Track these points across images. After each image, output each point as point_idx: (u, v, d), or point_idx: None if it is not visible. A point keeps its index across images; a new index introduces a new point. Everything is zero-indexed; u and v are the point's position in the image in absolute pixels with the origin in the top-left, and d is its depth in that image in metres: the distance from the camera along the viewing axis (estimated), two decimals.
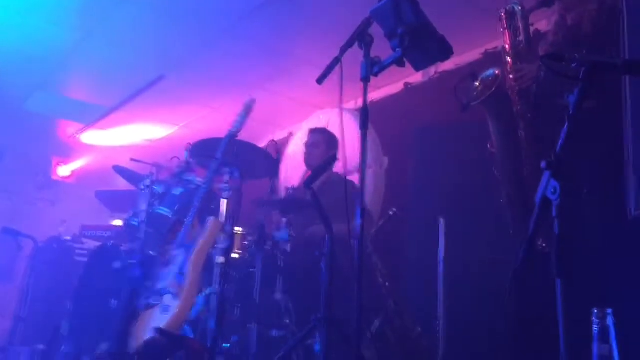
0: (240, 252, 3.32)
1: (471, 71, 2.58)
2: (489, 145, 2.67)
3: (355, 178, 3.43)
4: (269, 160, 3.50)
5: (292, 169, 5.08)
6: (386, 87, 4.89)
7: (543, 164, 1.51)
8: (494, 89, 2.45)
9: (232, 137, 2.90)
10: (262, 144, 5.61)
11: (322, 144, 3.88)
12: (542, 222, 1.54)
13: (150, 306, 2.22)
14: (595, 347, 1.40)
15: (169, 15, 4.15)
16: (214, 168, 2.73)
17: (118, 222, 5.58)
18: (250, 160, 3.47)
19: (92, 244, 4.86)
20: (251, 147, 3.40)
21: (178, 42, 4.52)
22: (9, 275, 5.98)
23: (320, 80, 2.40)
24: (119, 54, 4.77)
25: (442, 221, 3.00)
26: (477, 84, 2.57)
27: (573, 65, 1.43)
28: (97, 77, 5.32)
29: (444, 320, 2.83)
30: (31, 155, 6.98)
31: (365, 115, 2.26)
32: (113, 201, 5.28)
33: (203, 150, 3.52)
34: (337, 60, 2.31)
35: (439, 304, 2.87)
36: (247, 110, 3.02)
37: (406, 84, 4.73)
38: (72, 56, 4.84)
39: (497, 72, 2.49)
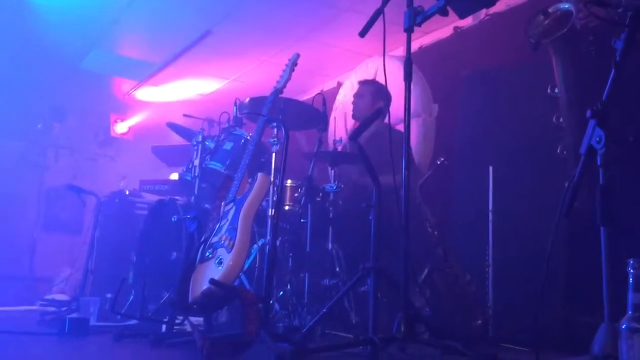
0: (291, 204, 3.40)
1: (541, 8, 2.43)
2: (549, 90, 2.56)
3: (403, 127, 3.42)
4: (316, 113, 3.52)
5: (341, 120, 5.08)
6: (435, 31, 4.77)
7: (588, 113, 1.48)
8: (567, 27, 2.30)
9: (277, 93, 2.93)
10: (311, 95, 5.63)
11: (368, 96, 3.86)
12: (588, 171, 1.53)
13: (206, 259, 2.33)
14: (630, 296, 1.40)
15: None
16: (260, 124, 2.78)
17: (175, 176, 5.78)
18: (298, 113, 3.50)
19: (150, 198, 5.06)
20: (297, 101, 3.43)
21: None
22: (76, 229, 6.32)
23: (362, 33, 2.39)
24: (168, 9, 4.83)
25: (491, 169, 2.97)
26: (545, 20, 2.44)
27: (619, 10, 1.38)
28: (148, 34, 5.42)
29: (494, 268, 2.84)
30: (91, 113, 7.22)
31: (409, 66, 2.24)
32: (169, 156, 5.42)
33: (250, 105, 3.58)
34: (379, 12, 2.29)
35: (488, 251, 2.87)
36: (292, 65, 3.03)
37: (456, 28, 4.60)
38: (124, 14, 4.94)
39: (570, 7, 2.34)
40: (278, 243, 3.23)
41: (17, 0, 4.58)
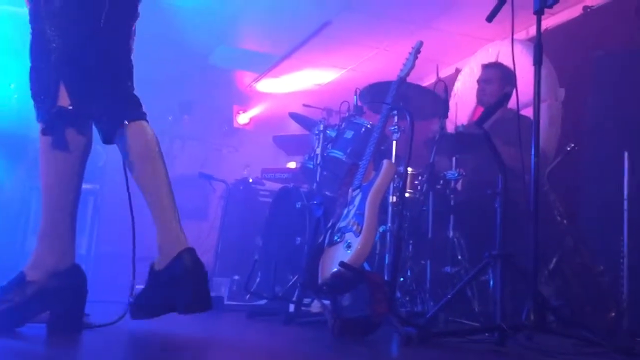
0: (412, 191, 3.42)
1: None
2: None
3: (528, 112, 3.33)
4: (437, 99, 3.50)
5: (461, 106, 5.01)
6: (562, 12, 4.56)
7: None
8: None
9: (401, 81, 2.95)
10: (427, 82, 5.59)
11: (496, 80, 3.77)
12: None
13: (334, 243, 2.42)
14: None
15: None
16: (385, 113, 2.82)
17: (292, 165, 5.98)
18: (419, 101, 3.51)
19: (272, 185, 5.28)
20: (419, 88, 3.43)
21: None
22: (204, 214, 6.70)
23: (490, 18, 2.36)
24: (289, 2, 5.00)
25: (626, 155, 2.83)
26: None
27: None
28: (269, 27, 5.64)
29: (629, 258, 2.71)
30: (215, 105, 7.61)
31: (539, 50, 2.19)
32: (288, 145, 5.60)
33: (371, 94, 3.63)
34: None
35: (623, 241, 2.74)
36: (415, 53, 3.04)
37: (585, 8, 4.38)
38: (247, 9, 5.17)
39: None
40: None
41: (154, 3, 4.95)
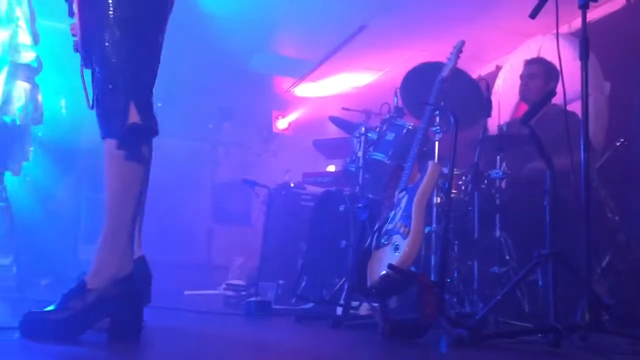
0: (456, 192, 3.39)
1: None
2: None
3: (573, 107, 3.26)
4: (480, 98, 3.46)
5: (502, 104, 4.94)
6: (605, 4, 4.47)
7: None
8: None
9: (443, 81, 2.94)
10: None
11: (540, 76, 3.70)
12: None
13: (381, 245, 2.42)
14: None
15: None
16: (428, 113, 2.81)
17: (332, 168, 5.99)
18: (462, 100, 3.47)
19: (313, 189, 5.30)
20: (461, 87, 3.40)
21: None
22: (247, 219, 6.78)
23: (534, 14, 2.34)
24: (325, 8, 5.03)
25: None
26: None
27: None
28: (306, 33, 5.69)
29: None
30: (255, 111, 7.69)
31: (585, 45, 2.16)
32: (328, 148, 5.60)
33: (412, 95, 3.62)
34: None
35: None
36: (457, 52, 3.02)
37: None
38: (285, 16, 5.23)
39: None
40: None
41: (194, 12, 5.05)
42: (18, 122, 3.78)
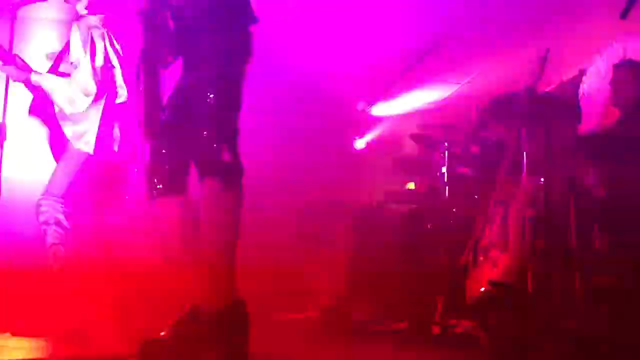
0: (551, 202, 3.28)
1: None
2: None
3: None
4: (565, 106, 3.36)
5: (588, 109, 4.76)
6: None
7: None
8: None
9: (531, 91, 2.87)
10: (550, 87, 5.35)
11: (631, 79, 3.56)
12: None
13: (479, 261, 2.39)
14: None
15: None
16: (516, 125, 2.76)
17: (411, 185, 5.93)
18: (546, 109, 3.38)
19: (396, 208, 5.24)
20: (547, 96, 3.31)
21: None
22: (332, 241, 6.78)
23: (624, 15, 2.26)
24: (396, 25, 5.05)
25: None
26: None
27: None
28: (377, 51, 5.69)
29: None
30: (331, 133, 7.74)
31: None
32: (408, 166, 5.56)
33: (495, 107, 3.55)
34: None
35: None
36: (543, 61, 2.95)
37: None
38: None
39: None
40: None
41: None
42: None
